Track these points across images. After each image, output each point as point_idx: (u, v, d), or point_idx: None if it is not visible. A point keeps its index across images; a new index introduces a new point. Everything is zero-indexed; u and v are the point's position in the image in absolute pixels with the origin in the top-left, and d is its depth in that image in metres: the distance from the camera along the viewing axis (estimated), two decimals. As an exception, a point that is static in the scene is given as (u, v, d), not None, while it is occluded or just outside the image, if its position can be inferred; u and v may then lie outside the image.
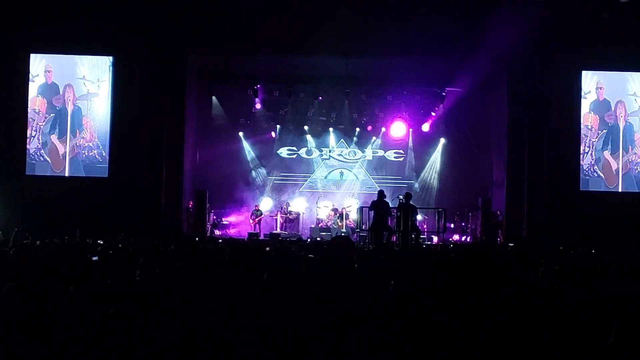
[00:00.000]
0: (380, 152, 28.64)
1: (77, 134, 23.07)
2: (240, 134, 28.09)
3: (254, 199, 27.59)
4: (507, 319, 4.55)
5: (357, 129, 28.27)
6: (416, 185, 28.02)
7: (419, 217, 22.56)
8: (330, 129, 28.35)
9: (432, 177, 28.34)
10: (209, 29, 22.52)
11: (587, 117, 23.46)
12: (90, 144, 23.14)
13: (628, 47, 22.59)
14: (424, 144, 28.38)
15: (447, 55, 23.36)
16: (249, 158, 28.17)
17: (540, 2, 22.29)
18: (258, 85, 26.46)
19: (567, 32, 22.44)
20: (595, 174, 23.37)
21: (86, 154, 23.11)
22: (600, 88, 23.43)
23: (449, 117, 27.62)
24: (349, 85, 26.67)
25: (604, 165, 23.40)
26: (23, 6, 22.40)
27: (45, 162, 23.06)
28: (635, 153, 23.49)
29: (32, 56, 23.13)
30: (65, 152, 23.07)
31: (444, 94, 26.62)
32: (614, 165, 23.40)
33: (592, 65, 23.43)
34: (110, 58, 23.21)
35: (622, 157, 23.41)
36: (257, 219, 26.31)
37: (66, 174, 23.01)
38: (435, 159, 28.39)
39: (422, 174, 28.41)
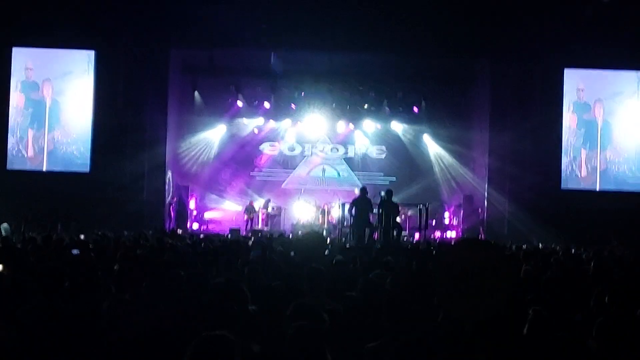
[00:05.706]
0: (363, 149, 28.60)
1: (55, 129, 22.97)
2: (223, 128, 27.98)
3: (237, 195, 27.54)
4: (494, 314, 4.56)
5: (340, 125, 28.20)
6: (398, 181, 27.90)
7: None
8: (314, 125, 28.26)
9: (414, 173, 28.26)
10: (192, 23, 22.46)
11: (566, 116, 23.59)
12: (68, 140, 23.04)
13: (610, 46, 22.68)
14: (406, 140, 28.34)
15: (430, 51, 23.39)
16: (231, 153, 28.06)
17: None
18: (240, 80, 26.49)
19: (551, 29, 22.53)
20: (573, 172, 23.50)
21: (64, 149, 23.01)
22: (582, 89, 23.57)
23: (432, 113, 27.59)
24: (332, 81, 26.67)
25: (580, 163, 23.53)
26: (5, 0, 22.27)
27: (22, 157, 22.95)
28: (612, 152, 23.61)
29: (14, 50, 22.99)
30: (42, 147, 22.96)
31: (426, 89, 26.69)
32: (589, 163, 23.52)
33: (574, 63, 23.53)
34: (93, 52, 23.09)
35: (600, 155, 23.55)
36: (250, 216, 26.11)
37: (44, 169, 22.89)
38: (418, 155, 28.35)
39: (405, 170, 28.33)
